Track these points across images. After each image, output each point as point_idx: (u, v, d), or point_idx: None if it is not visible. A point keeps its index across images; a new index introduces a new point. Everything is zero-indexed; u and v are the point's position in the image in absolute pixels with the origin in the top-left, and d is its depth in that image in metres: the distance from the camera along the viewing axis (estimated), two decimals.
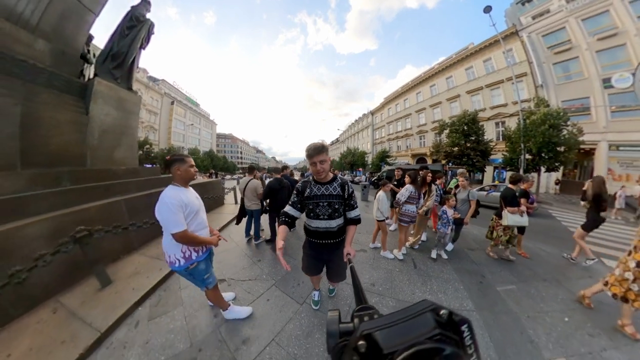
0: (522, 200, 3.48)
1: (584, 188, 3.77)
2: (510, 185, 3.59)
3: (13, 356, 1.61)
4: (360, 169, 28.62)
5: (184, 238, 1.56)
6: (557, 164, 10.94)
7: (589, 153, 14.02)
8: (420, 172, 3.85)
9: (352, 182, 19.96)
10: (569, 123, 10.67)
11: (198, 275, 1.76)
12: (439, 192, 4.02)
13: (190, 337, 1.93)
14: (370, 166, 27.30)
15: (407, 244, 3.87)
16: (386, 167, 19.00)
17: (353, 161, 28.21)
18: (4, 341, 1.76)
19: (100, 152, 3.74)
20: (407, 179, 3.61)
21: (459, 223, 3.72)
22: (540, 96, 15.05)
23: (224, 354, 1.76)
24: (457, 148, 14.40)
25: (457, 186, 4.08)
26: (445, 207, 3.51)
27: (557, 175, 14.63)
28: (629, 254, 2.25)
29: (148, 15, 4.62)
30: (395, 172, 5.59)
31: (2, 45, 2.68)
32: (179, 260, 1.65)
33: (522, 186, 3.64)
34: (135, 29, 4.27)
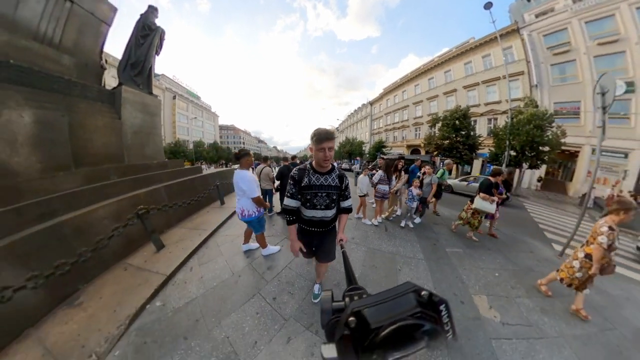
0: (494, 191, 3.98)
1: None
2: (490, 177, 4.00)
3: (104, 298, 2.24)
4: (358, 158, 29.03)
5: (258, 201, 2.60)
6: (538, 162, 11.39)
7: (574, 155, 14.48)
8: (396, 161, 4.92)
9: (349, 169, 20.37)
10: (553, 125, 11.05)
11: (261, 222, 2.80)
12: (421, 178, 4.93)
13: (231, 270, 2.80)
14: (367, 155, 27.69)
15: (383, 215, 4.78)
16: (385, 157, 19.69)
17: (351, 150, 28.57)
18: (93, 290, 2.35)
19: (133, 150, 4.31)
20: (379, 161, 4.89)
21: (423, 201, 4.62)
22: (534, 96, 15.25)
23: (255, 276, 2.70)
24: (447, 141, 14.84)
25: (424, 172, 4.82)
26: (412, 188, 4.38)
27: (539, 173, 15.23)
28: (582, 246, 2.47)
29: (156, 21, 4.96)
30: (378, 161, 6.55)
31: (35, 63, 3.07)
32: (255, 213, 2.65)
33: (500, 179, 4.11)
34: (149, 38, 4.67)
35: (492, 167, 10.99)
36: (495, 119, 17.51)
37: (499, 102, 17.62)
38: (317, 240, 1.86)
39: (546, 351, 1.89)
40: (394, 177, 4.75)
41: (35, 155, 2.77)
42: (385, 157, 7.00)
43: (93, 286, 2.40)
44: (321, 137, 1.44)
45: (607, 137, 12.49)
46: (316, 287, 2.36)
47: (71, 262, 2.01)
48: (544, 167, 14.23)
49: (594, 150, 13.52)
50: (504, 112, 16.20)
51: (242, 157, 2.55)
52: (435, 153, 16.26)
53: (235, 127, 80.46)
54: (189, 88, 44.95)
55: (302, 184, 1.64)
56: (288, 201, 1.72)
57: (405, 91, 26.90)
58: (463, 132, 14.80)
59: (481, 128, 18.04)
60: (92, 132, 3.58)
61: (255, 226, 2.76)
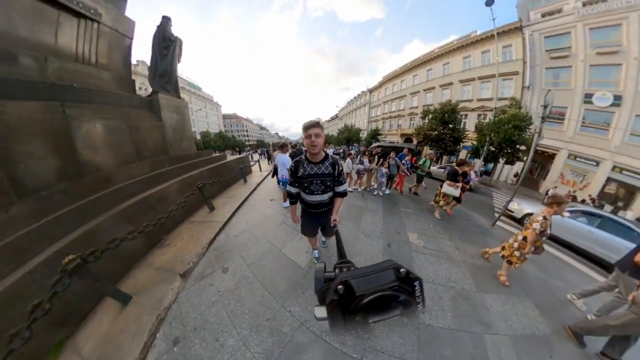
0: (459, 179, 4.64)
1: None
2: (456, 167, 4.68)
3: (184, 238, 3.30)
4: (355, 144, 29.24)
5: (290, 171, 3.32)
6: (514, 159, 12.44)
7: (552, 157, 15.27)
8: (374, 150, 7.07)
9: (348, 154, 20.45)
10: (531, 127, 11.79)
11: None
12: (407, 164, 6.48)
13: (264, 215, 4.29)
14: (363, 142, 27.99)
15: (362, 187, 6.47)
16: (374, 144, 20.16)
17: (349, 137, 28.82)
18: (174, 236, 3.38)
19: (174, 144, 5.02)
20: (362, 149, 7.06)
21: (390, 177, 6.09)
22: (525, 97, 15.80)
23: (281, 216, 4.16)
24: (435, 132, 15.54)
25: (389, 157, 6.10)
26: (382, 168, 5.90)
27: (516, 169, 16.31)
28: (522, 230, 2.93)
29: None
30: (361, 149, 8.38)
31: (82, 82, 3.46)
32: (285, 177, 3.93)
33: (465, 169, 4.82)
34: (170, 48, 5.01)
35: (457, 158, 12.14)
36: (485, 115, 17.89)
37: (490, 99, 17.83)
38: (323, 219, 2.06)
39: (447, 264, 3.07)
40: (368, 160, 6.33)
41: (109, 154, 3.43)
42: (366, 146, 8.50)
43: (173, 235, 3.45)
44: (307, 125, 1.58)
45: (585, 145, 13.52)
46: (315, 252, 2.81)
47: (157, 219, 2.82)
48: (521, 164, 14.99)
49: (570, 154, 14.40)
50: (494, 109, 16.58)
51: (283, 147, 4.59)
52: (423, 143, 17.05)
53: (238, 116, 79.40)
54: (189, 79, 42.92)
55: (298, 174, 1.82)
56: (289, 188, 2.01)
57: (404, 81, 26.61)
58: (450, 126, 15.51)
59: (471, 122, 18.44)
60: (144, 133, 4.22)
61: (285, 185, 3.58)
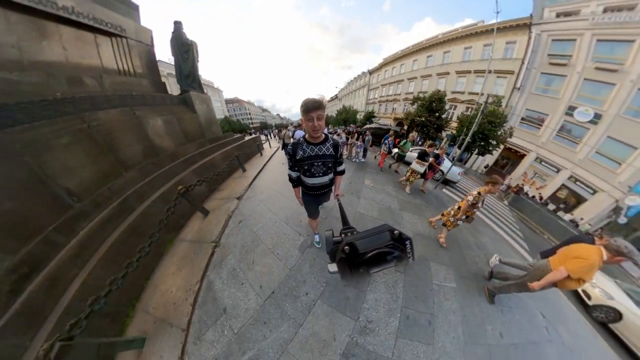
0: (432, 159, 5.29)
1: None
2: (426, 149, 5.21)
3: (232, 186, 4.58)
4: (352, 125, 29.18)
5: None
6: (485, 151, 13.21)
7: (522, 156, 16.23)
8: (354, 129, 8.65)
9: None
10: (505, 125, 12.53)
11: None
12: (390, 144, 7.15)
13: (276, 172, 5.53)
14: (359, 123, 27.99)
15: (345, 157, 7.46)
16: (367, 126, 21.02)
17: (346, 118, 28.62)
18: (224, 186, 4.69)
19: (207, 129, 5.98)
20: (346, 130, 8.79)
21: (365, 149, 7.75)
22: (513, 98, 15.91)
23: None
24: (422, 119, 16.21)
25: (365, 134, 7.90)
26: (359, 142, 7.46)
27: (488, 161, 17.64)
28: (461, 201, 3.34)
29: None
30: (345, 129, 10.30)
31: (132, 90, 4.15)
32: None
33: (437, 151, 5.54)
34: (190, 52, 5.55)
35: (440, 143, 13.17)
36: (472, 108, 17.85)
37: (480, 95, 17.52)
38: (322, 198, 2.10)
39: (384, 194, 4.75)
40: (351, 138, 7.81)
41: (169, 139, 4.48)
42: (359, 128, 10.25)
43: (223, 185, 4.76)
44: (308, 107, 1.36)
45: (553, 152, 14.48)
46: (316, 237, 2.86)
47: (213, 175, 4.01)
48: (493, 158, 16.57)
49: (537, 158, 15.25)
50: (475, 104, 16.94)
51: (298, 126, 5.24)
52: (410, 127, 17.80)
53: (239, 99, 76.49)
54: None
55: (297, 157, 1.67)
56: (289, 172, 1.89)
57: (404, 65, 25.66)
58: (437, 114, 16.03)
59: (459, 113, 18.40)
60: (186, 123, 5.16)
61: None
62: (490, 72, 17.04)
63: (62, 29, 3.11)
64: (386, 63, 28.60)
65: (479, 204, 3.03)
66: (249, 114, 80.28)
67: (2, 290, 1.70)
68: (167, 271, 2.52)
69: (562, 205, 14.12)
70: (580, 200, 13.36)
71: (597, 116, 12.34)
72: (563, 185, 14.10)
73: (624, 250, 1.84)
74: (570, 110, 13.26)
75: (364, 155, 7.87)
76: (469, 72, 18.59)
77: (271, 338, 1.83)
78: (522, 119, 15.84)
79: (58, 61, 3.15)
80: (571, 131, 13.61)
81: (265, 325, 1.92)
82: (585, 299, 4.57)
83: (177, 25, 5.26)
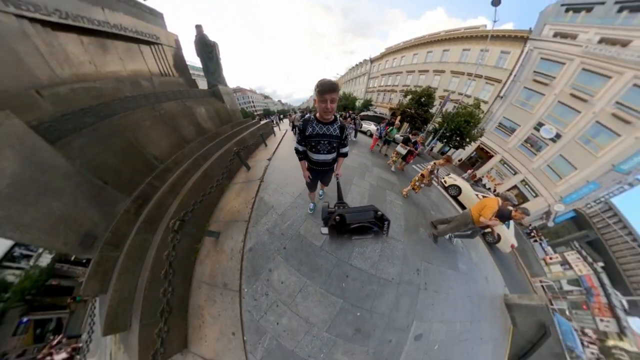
0: (411, 144, 6.05)
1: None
2: (409, 135, 6.11)
3: (260, 155, 5.44)
4: (351, 111, 29.30)
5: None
6: (459, 146, 14.45)
7: (490, 156, 18.05)
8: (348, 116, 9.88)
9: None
10: (479, 126, 13.63)
11: None
12: (381, 130, 8.02)
13: (290, 147, 6.11)
14: (357, 109, 28.19)
15: None
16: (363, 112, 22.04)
17: (346, 104, 28.64)
18: (254, 154, 5.60)
19: (233, 115, 6.83)
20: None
21: (356, 130, 9.22)
22: (495, 105, 17.18)
23: None
24: (412, 111, 17.13)
25: (356, 118, 9.29)
26: (351, 125, 8.62)
27: (462, 156, 19.62)
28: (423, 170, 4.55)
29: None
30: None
31: (174, 87, 5.00)
32: None
33: (415, 139, 6.14)
34: (214, 52, 6.11)
35: (424, 133, 15.09)
36: (456, 107, 18.87)
37: (468, 97, 18.62)
38: (321, 175, 2.27)
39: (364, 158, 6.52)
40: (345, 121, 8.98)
41: (211, 123, 5.46)
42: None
43: (253, 154, 5.58)
44: (324, 88, 1.34)
45: (515, 157, 16.28)
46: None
47: (244, 146, 4.81)
48: (467, 154, 18.51)
49: (502, 160, 17.13)
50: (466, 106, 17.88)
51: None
52: (399, 118, 18.67)
53: (242, 88, 75.78)
54: (190, 62, 34.52)
55: (307, 133, 1.75)
56: (296, 146, 1.96)
57: (404, 57, 25.43)
58: (424, 108, 17.01)
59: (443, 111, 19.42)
60: (219, 111, 6.06)
61: None
62: (481, 77, 17.86)
63: (116, 44, 3.75)
64: (388, 53, 28.08)
65: (435, 172, 4.36)
66: (252, 101, 79.80)
67: (130, 212, 2.89)
68: (229, 198, 3.74)
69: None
70: (524, 199, 15.48)
71: (558, 136, 13.84)
72: (515, 185, 16.12)
73: (508, 197, 3.25)
74: (539, 126, 14.61)
75: (355, 135, 9.22)
76: (462, 73, 19.24)
77: (300, 213, 3.30)
78: (499, 124, 17.18)
79: (119, 70, 3.89)
80: (534, 144, 15.25)
81: (297, 209, 3.37)
82: (443, 183, 8.17)
83: (199, 28, 5.73)
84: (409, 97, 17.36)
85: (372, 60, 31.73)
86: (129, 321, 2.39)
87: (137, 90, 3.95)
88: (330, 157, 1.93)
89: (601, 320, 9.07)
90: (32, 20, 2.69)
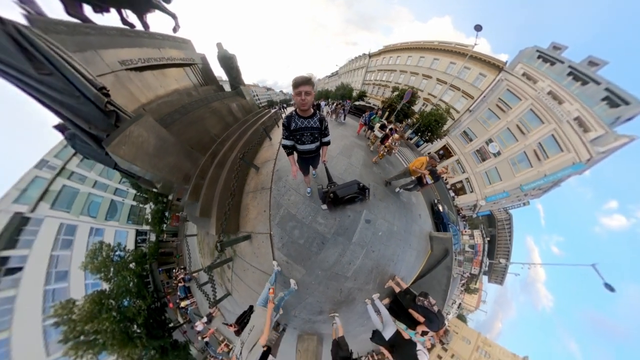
0: (388, 130, 6.22)
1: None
2: (385, 122, 6.74)
3: (277, 136, 6.43)
4: (348, 100, 29.92)
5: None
6: (429, 140, 17.19)
7: (451, 155, 20.75)
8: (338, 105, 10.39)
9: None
10: (445, 126, 16.37)
11: None
12: (366, 117, 7.94)
13: None
14: (354, 98, 29.03)
15: (334, 118, 9.41)
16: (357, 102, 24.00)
17: (343, 94, 29.24)
18: (273, 133, 6.96)
19: (252, 108, 8.99)
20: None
21: (345, 114, 9.49)
22: (464, 116, 19.19)
23: None
24: (397, 105, 18.41)
25: (343, 106, 9.75)
26: (340, 110, 9.23)
27: (431, 149, 21.72)
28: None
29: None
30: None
31: (214, 92, 7.28)
32: None
33: (391, 126, 6.55)
34: (234, 62, 7.98)
35: (401, 124, 17.01)
36: (433, 108, 20.07)
37: (446, 103, 20.29)
38: (311, 161, 2.61)
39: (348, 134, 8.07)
40: (337, 107, 9.63)
41: (240, 112, 7.70)
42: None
43: (272, 132, 6.85)
44: (297, 82, 1.42)
45: (467, 160, 19.72)
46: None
47: (265, 127, 7.15)
48: (435, 149, 20.67)
49: (458, 160, 20.06)
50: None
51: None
52: (387, 111, 20.85)
53: (246, 84, 66.69)
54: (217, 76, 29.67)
55: (292, 128, 1.94)
56: (284, 142, 2.16)
57: (400, 57, 25.88)
58: (407, 105, 18.73)
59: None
60: (244, 106, 8.25)
61: None
62: (459, 89, 19.47)
63: (172, 70, 5.30)
64: (386, 51, 28.25)
65: (395, 144, 5.34)
66: (256, 95, 76.22)
67: (207, 162, 5.17)
68: (263, 151, 5.66)
69: (452, 189, 20.57)
70: (463, 192, 19.68)
71: (499, 153, 17.13)
72: (461, 180, 19.81)
73: (433, 156, 4.19)
74: (489, 141, 17.66)
75: (344, 118, 9.86)
76: (445, 82, 20.60)
77: (308, 204, 3.96)
78: (463, 132, 19.75)
79: (177, 87, 6.03)
80: (482, 154, 18.37)
81: (310, 198, 4.03)
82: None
83: (219, 45, 7.38)
84: (395, 93, 19.20)
85: (370, 56, 31.49)
86: (211, 212, 4.72)
87: (191, 98, 6.04)
88: (314, 145, 2.15)
89: (474, 268, 16.50)
90: (130, 69, 4.39)
